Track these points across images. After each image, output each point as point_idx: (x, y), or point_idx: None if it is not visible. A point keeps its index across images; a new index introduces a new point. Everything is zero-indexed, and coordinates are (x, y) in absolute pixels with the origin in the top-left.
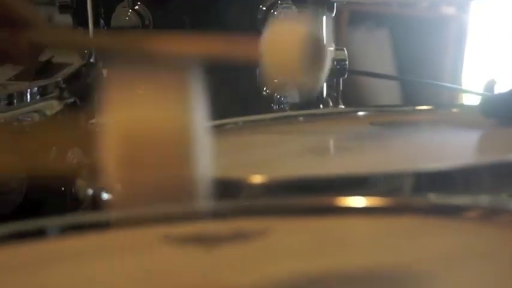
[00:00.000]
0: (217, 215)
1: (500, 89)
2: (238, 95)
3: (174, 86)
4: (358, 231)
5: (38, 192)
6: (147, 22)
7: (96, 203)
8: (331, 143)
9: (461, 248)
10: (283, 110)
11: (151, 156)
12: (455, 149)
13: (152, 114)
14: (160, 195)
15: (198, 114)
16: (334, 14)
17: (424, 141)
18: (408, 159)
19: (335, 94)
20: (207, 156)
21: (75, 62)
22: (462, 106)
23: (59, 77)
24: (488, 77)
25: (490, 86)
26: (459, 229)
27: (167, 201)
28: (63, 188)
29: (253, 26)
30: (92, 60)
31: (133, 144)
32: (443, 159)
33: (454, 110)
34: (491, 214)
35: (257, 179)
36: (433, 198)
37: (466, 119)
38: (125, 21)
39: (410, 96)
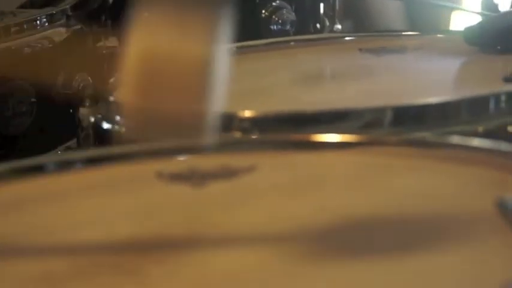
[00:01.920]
0: (203, 150)
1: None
2: (238, 18)
3: (202, 17)
4: (337, 167)
5: (46, 114)
6: None
7: (97, 131)
8: (320, 72)
9: (430, 188)
10: (282, 31)
11: (168, 84)
12: (435, 80)
13: (176, 42)
14: (170, 126)
15: (222, 48)
16: None
17: (408, 71)
18: (390, 91)
19: (331, 13)
20: (223, 92)
21: None
22: (448, 32)
23: (66, 4)
24: None
25: None
26: (427, 170)
27: (175, 133)
28: (70, 111)
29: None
30: None
31: (152, 68)
32: (423, 92)
33: (440, 36)
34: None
35: (245, 113)
36: (409, 136)
37: (450, 45)
38: None
39: (414, 16)
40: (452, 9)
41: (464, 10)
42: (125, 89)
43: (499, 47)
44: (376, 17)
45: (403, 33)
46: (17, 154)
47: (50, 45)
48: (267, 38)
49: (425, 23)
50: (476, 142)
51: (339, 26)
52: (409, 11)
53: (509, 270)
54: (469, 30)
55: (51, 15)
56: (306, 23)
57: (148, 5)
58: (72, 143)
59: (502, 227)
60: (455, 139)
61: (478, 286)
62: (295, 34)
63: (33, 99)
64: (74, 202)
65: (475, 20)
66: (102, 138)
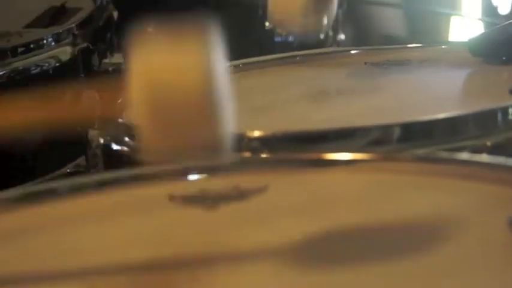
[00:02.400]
0: (215, 171)
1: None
2: (240, 29)
3: (194, 34)
4: (347, 186)
5: (55, 134)
6: None
7: (106, 153)
8: (326, 87)
9: (441, 205)
10: (286, 42)
11: (176, 109)
12: (442, 94)
13: (177, 63)
14: (184, 149)
15: (220, 63)
16: None
17: (414, 85)
18: (397, 107)
19: (334, 23)
20: (230, 110)
21: (86, 6)
22: (451, 43)
23: (72, 23)
24: None
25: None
26: (437, 187)
27: (190, 156)
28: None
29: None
30: (103, 2)
31: (158, 94)
32: (430, 107)
33: (444, 47)
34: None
35: (254, 132)
36: (418, 153)
37: (454, 57)
38: None
39: (414, 23)
40: (452, 15)
41: (463, 16)
42: (134, 117)
43: (504, 58)
44: (378, 25)
45: (407, 45)
46: (28, 172)
47: (57, 64)
48: (270, 49)
49: (425, 29)
50: (485, 158)
51: (342, 36)
52: (409, 18)
53: None
54: (473, 41)
55: (58, 34)
56: (309, 35)
57: (149, 26)
58: (81, 160)
59: None
60: (465, 155)
61: None
62: (298, 45)
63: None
64: (87, 227)
65: (475, 26)
66: (112, 159)
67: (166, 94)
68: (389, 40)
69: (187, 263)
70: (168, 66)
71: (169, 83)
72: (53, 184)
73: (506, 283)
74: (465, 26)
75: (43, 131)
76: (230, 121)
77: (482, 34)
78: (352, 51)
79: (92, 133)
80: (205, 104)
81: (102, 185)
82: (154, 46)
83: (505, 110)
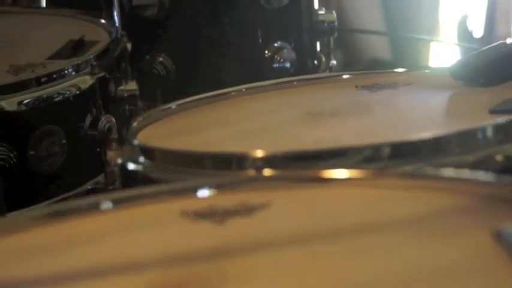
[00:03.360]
0: (223, 188)
1: (473, 24)
2: (242, 58)
3: None
4: (344, 201)
5: (76, 154)
6: (164, 1)
7: (123, 172)
8: (321, 109)
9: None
10: (284, 68)
11: None
12: (426, 114)
13: None
14: None
15: None
16: None
17: (400, 106)
18: (386, 127)
19: (327, 50)
20: None
21: (103, 39)
22: (434, 68)
23: (90, 55)
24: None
25: (463, 22)
26: (424, 201)
27: None
28: (97, 149)
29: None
30: (118, 35)
31: None
32: (416, 127)
33: (428, 71)
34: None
35: (257, 153)
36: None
37: (437, 80)
38: (144, 1)
39: (397, 48)
40: (431, 41)
41: (441, 41)
42: None
43: (481, 81)
44: (365, 51)
45: (394, 70)
46: (50, 190)
47: (78, 92)
48: (270, 75)
49: (407, 54)
50: (468, 173)
51: (334, 62)
52: (393, 44)
53: None
54: (454, 66)
55: (77, 65)
56: (304, 60)
57: None
58: (100, 177)
59: (500, 257)
60: (449, 171)
61: None
62: (295, 71)
63: (63, 141)
64: (105, 242)
65: (452, 50)
66: (128, 177)
67: None
68: (376, 64)
69: (197, 273)
70: None
71: None
72: (71, 203)
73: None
74: (443, 50)
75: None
76: None
77: (462, 59)
78: (344, 76)
79: (110, 154)
80: None
81: (119, 202)
82: None
83: (484, 129)
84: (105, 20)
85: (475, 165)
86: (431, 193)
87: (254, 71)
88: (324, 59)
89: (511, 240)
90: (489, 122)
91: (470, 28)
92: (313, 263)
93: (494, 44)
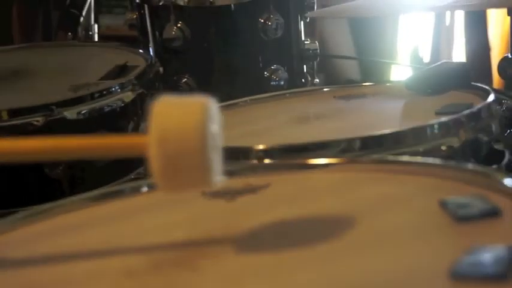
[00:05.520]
0: (233, 173)
1: (424, 53)
2: (246, 76)
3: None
4: (324, 182)
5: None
6: (187, 35)
7: None
8: (307, 113)
9: (391, 193)
10: (279, 85)
11: (180, 156)
12: (388, 116)
13: (181, 124)
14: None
15: (214, 125)
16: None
17: (368, 111)
18: (357, 126)
19: (311, 71)
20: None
21: (141, 64)
22: (393, 82)
23: (132, 76)
24: (413, 45)
25: (415, 50)
26: (387, 180)
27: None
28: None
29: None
30: (152, 62)
31: (169, 145)
32: (380, 125)
33: (388, 84)
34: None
35: (259, 146)
36: (373, 157)
37: (396, 91)
38: (171, 35)
39: (365, 69)
40: (391, 63)
41: (398, 64)
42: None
43: (429, 91)
44: (340, 72)
45: (363, 84)
46: (104, 179)
47: (122, 104)
48: (268, 90)
49: (373, 73)
50: (420, 159)
51: (317, 80)
52: (362, 67)
53: (454, 254)
54: (408, 79)
55: (122, 84)
56: (294, 79)
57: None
58: (141, 169)
59: (444, 221)
60: (405, 158)
61: (431, 269)
62: (287, 87)
63: None
64: (142, 217)
65: (406, 70)
66: None
67: (173, 146)
68: (349, 82)
69: (215, 240)
70: (175, 125)
71: (176, 139)
72: (121, 187)
73: (435, 246)
74: (400, 71)
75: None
76: (219, 164)
77: (414, 74)
78: (325, 89)
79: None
80: (201, 154)
81: (154, 187)
82: (166, 110)
83: (432, 126)
84: (142, 50)
85: (425, 153)
86: (392, 174)
87: (256, 86)
88: (309, 78)
89: (453, 208)
90: (435, 120)
91: (420, 55)
92: (303, 223)
93: (439, 62)
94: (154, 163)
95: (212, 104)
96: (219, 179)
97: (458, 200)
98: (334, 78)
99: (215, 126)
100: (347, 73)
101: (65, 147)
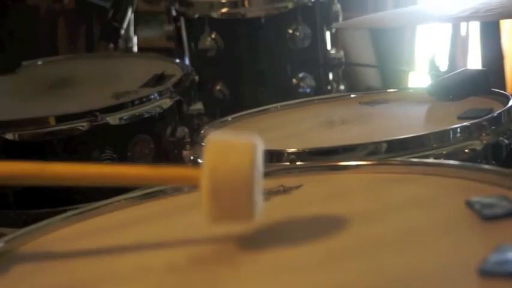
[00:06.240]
0: (267, 175)
1: (440, 62)
2: (275, 84)
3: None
4: (355, 183)
5: (160, 155)
6: (220, 45)
7: (194, 164)
8: (334, 118)
9: (418, 192)
10: (306, 92)
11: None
12: (411, 121)
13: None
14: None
15: (259, 159)
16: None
17: (392, 114)
18: (382, 130)
19: (336, 79)
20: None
21: (178, 73)
22: (415, 88)
23: (169, 84)
24: (430, 55)
25: (432, 59)
26: (415, 181)
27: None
28: (175, 152)
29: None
30: (188, 71)
31: (218, 181)
32: (404, 129)
33: (411, 91)
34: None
35: (291, 149)
36: (401, 159)
37: (418, 97)
38: (206, 45)
39: (385, 77)
40: (409, 71)
41: (417, 71)
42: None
43: (451, 96)
44: (361, 79)
45: (388, 90)
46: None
47: (161, 110)
48: (296, 98)
49: (393, 80)
50: (446, 161)
51: (342, 87)
52: (382, 74)
53: (482, 252)
54: (430, 86)
55: (161, 91)
56: (321, 86)
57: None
58: None
59: (471, 220)
60: (432, 160)
61: (459, 267)
62: (314, 94)
63: (152, 145)
64: (183, 215)
65: (424, 77)
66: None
67: (222, 183)
68: (369, 89)
69: (253, 236)
70: (226, 164)
71: (225, 177)
72: (163, 187)
73: (464, 244)
74: (417, 78)
75: None
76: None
77: (435, 81)
78: (352, 95)
79: (185, 153)
80: (246, 192)
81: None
82: (217, 148)
83: (454, 130)
84: (179, 60)
85: (448, 156)
86: (420, 175)
87: (285, 93)
88: (334, 85)
89: (479, 207)
90: (458, 124)
91: (437, 63)
92: (334, 221)
93: (459, 70)
94: (205, 195)
95: (259, 145)
96: (259, 211)
97: (484, 200)
98: (355, 86)
99: (260, 165)
100: (368, 80)
101: (126, 176)
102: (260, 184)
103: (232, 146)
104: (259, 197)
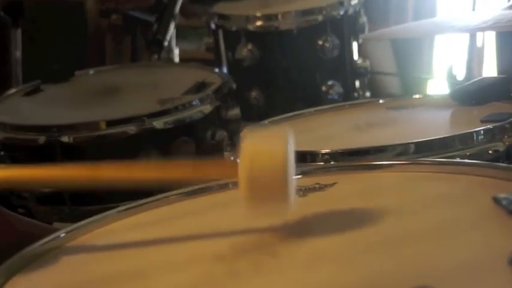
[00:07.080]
0: (304, 173)
1: (458, 71)
2: (306, 91)
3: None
4: (388, 180)
5: (201, 157)
6: (256, 55)
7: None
8: (363, 122)
9: (447, 189)
10: (334, 99)
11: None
12: (436, 124)
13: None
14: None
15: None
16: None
17: (417, 118)
18: (409, 132)
19: (363, 86)
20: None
21: (217, 81)
22: (439, 94)
23: (210, 91)
24: (448, 64)
25: (450, 69)
26: (445, 179)
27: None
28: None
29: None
30: (228, 79)
31: (256, 167)
32: (430, 132)
33: (435, 96)
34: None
35: (325, 150)
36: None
37: (441, 102)
38: (242, 55)
39: (405, 85)
40: (428, 79)
41: (435, 79)
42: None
43: (473, 102)
44: (384, 87)
45: (413, 96)
46: None
47: (202, 116)
48: (325, 104)
49: (412, 88)
50: (468, 161)
51: (368, 94)
52: (402, 82)
53: (511, 244)
54: (454, 92)
55: (202, 98)
56: (348, 93)
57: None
58: None
59: (499, 215)
60: (455, 160)
61: (491, 257)
62: (342, 101)
63: (193, 148)
64: (228, 209)
65: (442, 85)
66: None
67: (260, 170)
68: (392, 96)
69: (292, 229)
70: (262, 153)
71: (263, 163)
72: (209, 184)
73: (493, 236)
74: (436, 86)
75: None
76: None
77: (458, 87)
78: (380, 101)
79: (226, 154)
80: (283, 177)
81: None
82: (254, 140)
83: (478, 132)
84: (218, 69)
85: (472, 157)
86: (449, 174)
87: (315, 100)
88: (361, 92)
89: (507, 203)
90: (482, 127)
91: (454, 72)
92: (368, 216)
93: (479, 77)
94: (242, 185)
95: (291, 136)
96: (294, 200)
97: (511, 197)
98: (377, 93)
99: (292, 153)
100: (388, 88)
101: (169, 172)
102: (293, 170)
103: (266, 135)
104: (293, 182)
